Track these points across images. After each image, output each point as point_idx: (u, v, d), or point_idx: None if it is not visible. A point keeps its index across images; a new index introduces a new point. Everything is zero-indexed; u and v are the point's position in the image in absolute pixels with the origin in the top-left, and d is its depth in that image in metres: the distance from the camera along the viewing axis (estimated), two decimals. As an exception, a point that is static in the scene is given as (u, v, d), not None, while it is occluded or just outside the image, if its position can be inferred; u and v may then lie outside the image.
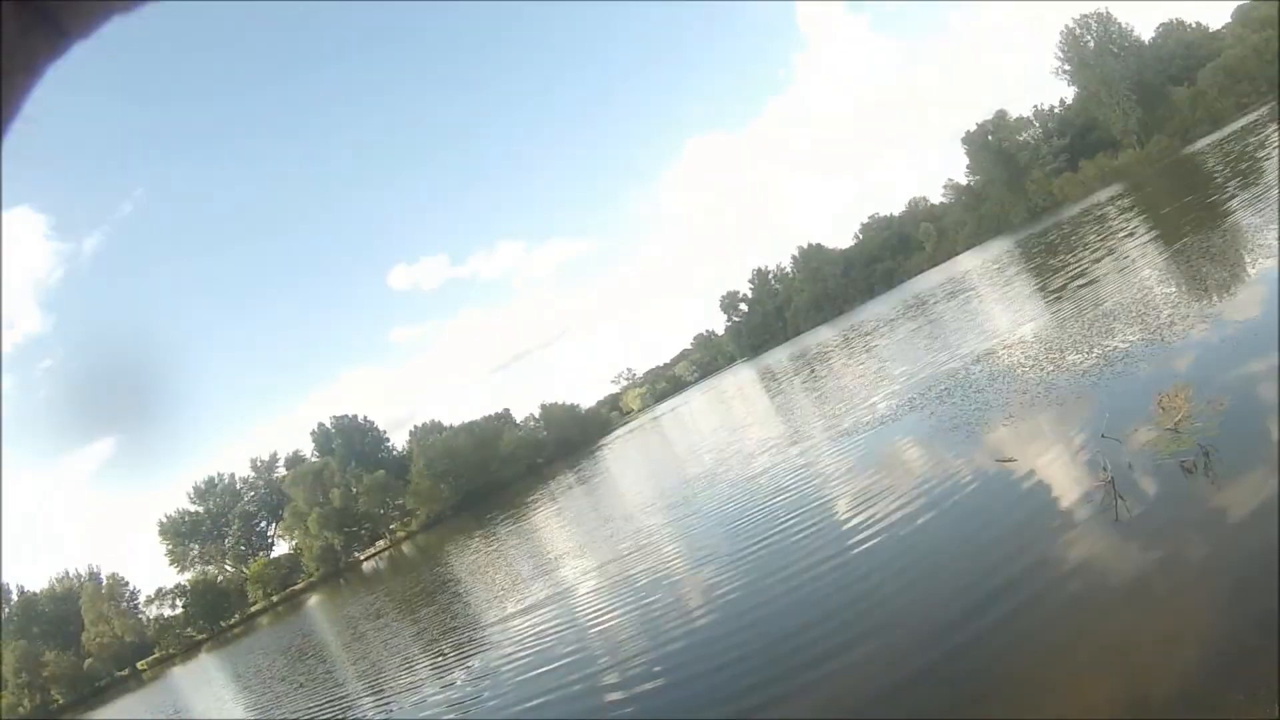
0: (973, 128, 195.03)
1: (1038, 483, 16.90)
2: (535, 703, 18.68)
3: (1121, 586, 11.66)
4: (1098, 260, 45.66)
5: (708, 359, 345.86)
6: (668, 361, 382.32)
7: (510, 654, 24.14)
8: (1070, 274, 46.11)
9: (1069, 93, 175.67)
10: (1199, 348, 20.39)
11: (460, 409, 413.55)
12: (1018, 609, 12.30)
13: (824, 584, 16.78)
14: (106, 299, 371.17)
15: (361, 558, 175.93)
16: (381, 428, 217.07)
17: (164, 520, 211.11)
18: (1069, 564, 12.93)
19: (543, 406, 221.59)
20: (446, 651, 29.96)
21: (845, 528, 19.64)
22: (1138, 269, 35.90)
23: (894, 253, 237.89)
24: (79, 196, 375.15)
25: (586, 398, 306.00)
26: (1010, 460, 18.66)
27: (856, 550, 17.70)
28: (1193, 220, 41.82)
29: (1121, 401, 18.96)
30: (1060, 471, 16.93)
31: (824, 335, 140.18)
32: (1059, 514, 14.81)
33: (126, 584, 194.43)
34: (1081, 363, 24.55)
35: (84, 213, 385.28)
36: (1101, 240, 54.81)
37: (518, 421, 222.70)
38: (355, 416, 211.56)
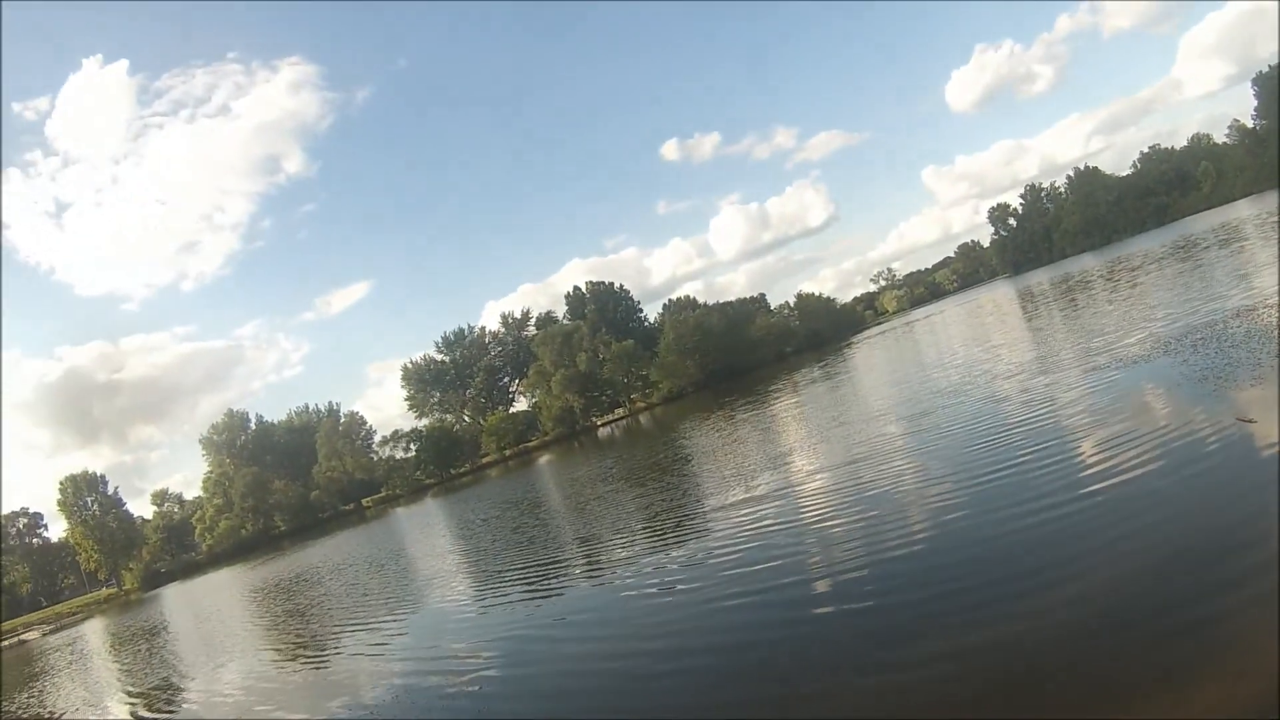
0: (1266, 69, 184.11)
1: (1273, 445, 16.54)
2: (739, 601, 18.61)
3: None
4: None
5: (969, 270, 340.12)
6: (929, 267, 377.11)
7: (723, 543, 24.32)
8: None
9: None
10: None
11: (715, 289, 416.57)
12: (1224, 579, 11.94)
13: (1042, 527, 16.49)
14: (374, 149, 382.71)
15: (598, 423, 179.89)
16: (636, 299, 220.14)
17: (408, 366, 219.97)
18: None
19: (798, 296, 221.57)
20: (664, 530, 30.47)
21: (1076, 469, 19.46)
22: None
23: (1170, 188, 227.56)
24: (354, 50, 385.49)
25: (843, 294, 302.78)
26: (1251, 420, 18.42)
27: (1080, 494, 17.45)
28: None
29: None
30: None
31: (1088, 263, 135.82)
32: None
33: (364, 423, 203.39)
34: None
35: (358, 66, 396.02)
36: None
37: (771, 308, 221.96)
38: (610, 284, 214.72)
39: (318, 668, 27.30)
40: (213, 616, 59.85)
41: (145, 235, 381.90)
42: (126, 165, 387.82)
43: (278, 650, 33.55)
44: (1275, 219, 79.81)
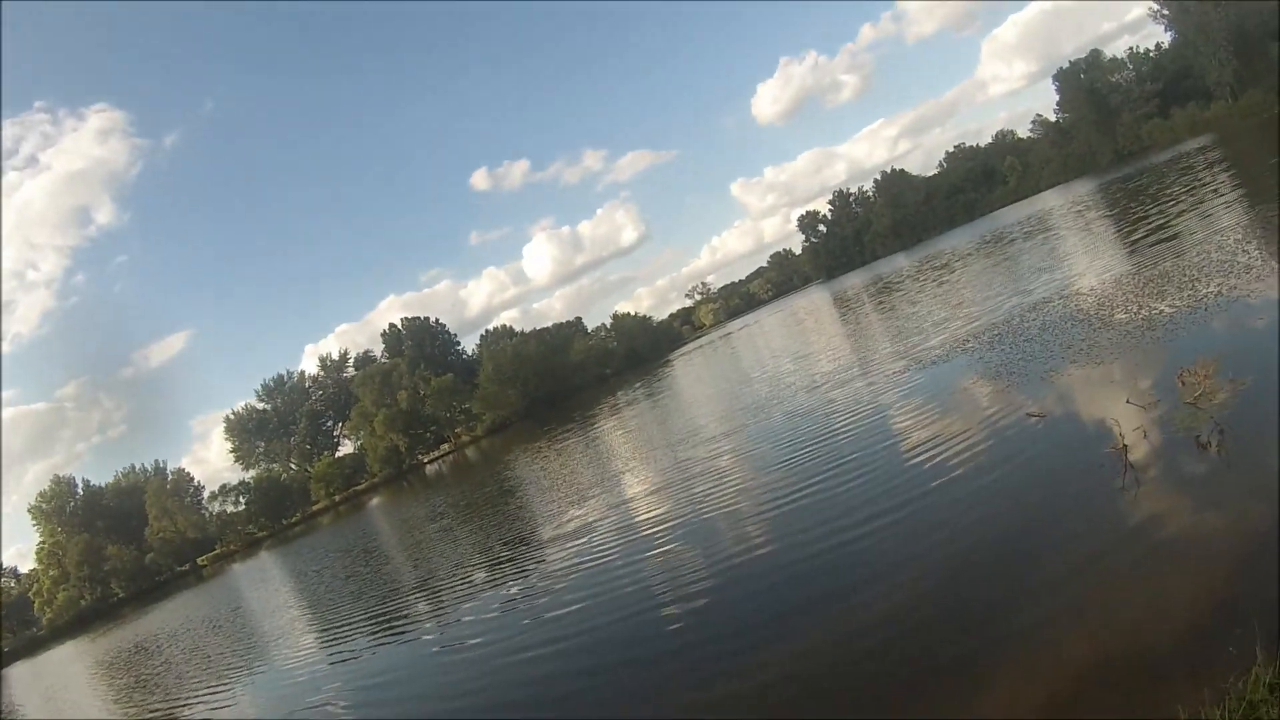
0: (1067, 64, 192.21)
1: (1058, 441, 17.68)
2: (586, 618, 19.36)
3: (1120, 549, 12.20)
4: (1174, 214, 45.47)
5: (783, 278, 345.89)
6: (743, 278, 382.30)
7: (564, 566, 24.94)
8: (1145, 225, 46.02)
9: (1165, 37, 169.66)
10: (1240, 323, 20.62)
11: (532, 316, 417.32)
12: (1012, 563, 13.23)
13: (843, 548, 16.75)
14: (184, 195, 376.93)
15: (425, 460, 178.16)
16: (452, 332, 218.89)
17: (230, 417, 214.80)
18: (1072, 524, 13.61)
19: (614, 316, 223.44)
20: (503, 560, 31.07)
21: (878, 482, 19.75)
22: (1211, 229, 35.53)
23: (977, 185, 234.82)
24: (160, 94, 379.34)
25: (659, 311, 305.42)
26: (1039, 416, 19.44)
27: (878, 510, 17.77)
28: (1273, 184, 40.75)
29: (1156, 369, 19.48)
30: (1081, 433, 17.67)
31: (900, 263, 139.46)
32: (1070, 474, 15.54)
33: (191, 480, 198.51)
34: (1127, 323, 24.91)
35: (165, 110, 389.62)
36: (1182, 194, 54.20)
37: (589, 330, 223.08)
38: (426, 319, 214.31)
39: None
40: (57, 697, 58.69)
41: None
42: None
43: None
44: (1078, 208, 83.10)
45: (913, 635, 12.28)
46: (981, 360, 28.24)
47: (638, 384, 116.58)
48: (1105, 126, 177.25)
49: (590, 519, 30.20)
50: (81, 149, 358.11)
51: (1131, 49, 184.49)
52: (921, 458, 19.82)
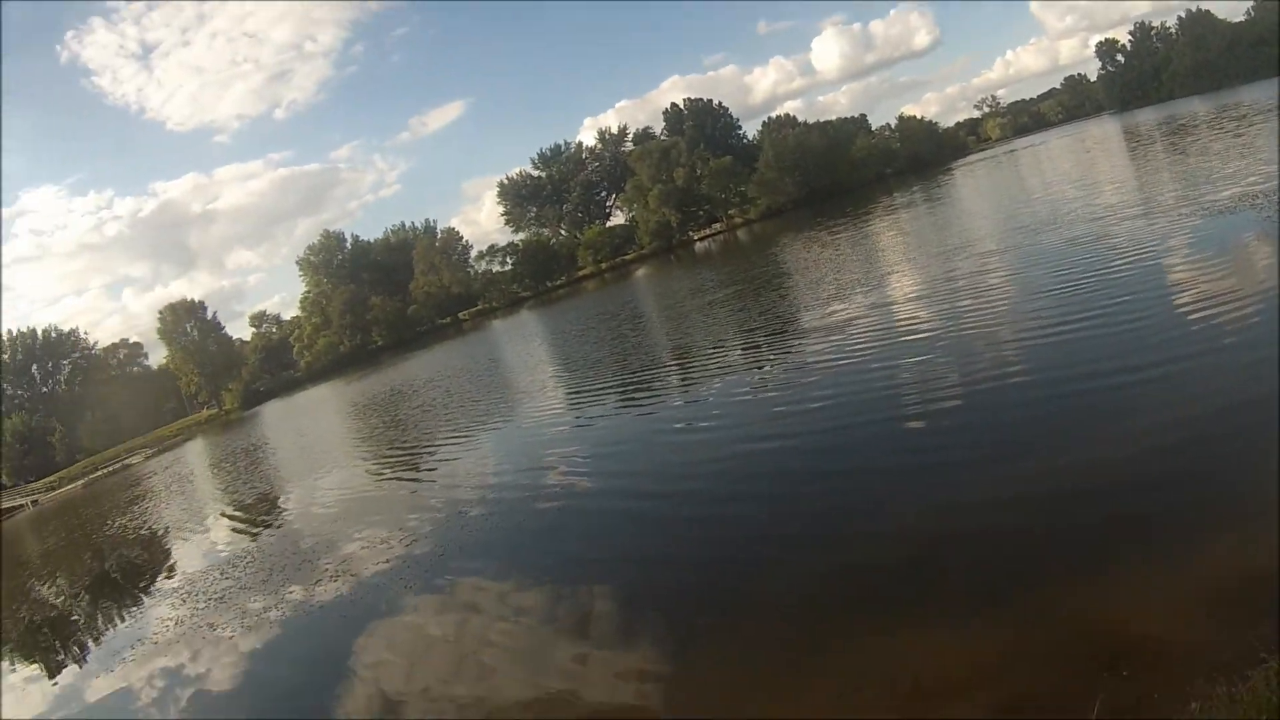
0: None
1: None
2: (829, 417, 19.65)
3: None
4: None
5: (1075, 104, 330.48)
6: (1034, 97, 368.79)
7: (817, 360, 25.29)
8: None
9: None
10: None
11: (816, 108, 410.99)
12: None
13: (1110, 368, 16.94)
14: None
15: (695, 237, 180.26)
16: (735, 116, 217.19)
17: (504, 182, 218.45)
18: None
19: (900, 118, 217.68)
20: (759, 345, 31.94)
21: (1149, 332, 18.79)
22: None
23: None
24: None
25: (945, 118, 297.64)
26: None
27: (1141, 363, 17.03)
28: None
29: None
30: None
31: (1196, 107, 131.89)
32: None
33: (460, 238, 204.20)
34: None
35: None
36: None
37: (873, 129, 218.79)
38: (709, 101, 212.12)
39: (417, 480, 28.69)
40: (309, 431, 61.49)
41: (234, 69, 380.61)
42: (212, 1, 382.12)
43: (378, 461, 35.06)
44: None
45: (1131, 489, 11.93)
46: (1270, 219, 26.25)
47: (916, 187, 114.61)
48: None
49: (850, 315, 30.49)
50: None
51: None
52: (1199, 315, 18.49)
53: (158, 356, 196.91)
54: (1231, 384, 14.18)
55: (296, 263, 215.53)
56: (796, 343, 29.12)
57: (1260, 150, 44.58)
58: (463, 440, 32.09)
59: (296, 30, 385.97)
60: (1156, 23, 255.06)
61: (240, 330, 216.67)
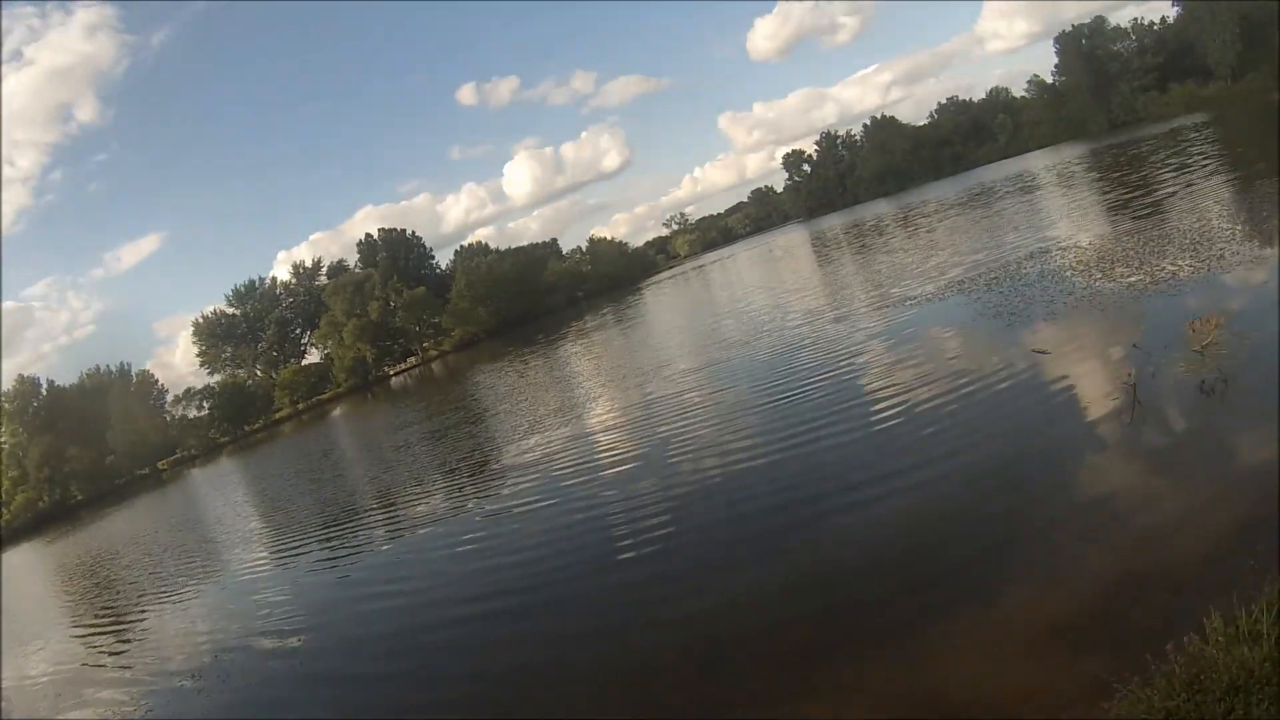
0: (1069, 28, 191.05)
1: (1064, 376, 18.07)
2: (540, 539, 19.69)
3: (1123, 479, 12.89)
4: (1167, 184, 45.65)
5: (762, 214, 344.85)
6: (722, 212, 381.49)
7: (518, 495, 24.66)
8: (1138, 191, 46.60)
9: (1172, 12, 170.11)
10: (1242, 284, 21.03)
11: (508, 234, 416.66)
12: (1027, 488, 13.60)
13: (838, 453, 17.94)
14: (168, 96, 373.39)
15: (391, 372, 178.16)
16: (428, 245, 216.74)
17: (199, 321, 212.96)
18: (1078, 454, 14.23)
19: (590, 240, 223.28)
20: (461, 475, 31.48)
21: (869, 400, 20.68)
22: (1205, 200, 35.90)
23: (966, 138, 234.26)
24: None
25: (635, 238, 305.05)
26: (1044, 351, 19.92)
27: (875, 423, 18.83)
28: (1268, 165, 40.31)
29: (1158, 320, 19.97)
30: (1087, 370, 18.21)
31: (882, 209, 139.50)
32: (1078, 408, 16.19)
33: (156, 382, 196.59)
34: (1129, 276, 25.26)
35: (155, 7, 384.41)
36: (1176, 165, 54.60)
37: (564, 253, 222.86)
38: (402, 231, 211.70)
39: (131, 641, 26.51)
40: (14, 599, 58.22)
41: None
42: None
43: (89, 626, 32.67)
44: (1070, 170, 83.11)
45: (925, 552, 12.62)
46: (979, 300, 28.44)
47: (606, 309, 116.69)
48: (1101, 94, 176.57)
49: (550, 449, 29.70)
50: (68, 44, 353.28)
51: (1136, 19, 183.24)
52: (924, 390, 19.92)
53: None
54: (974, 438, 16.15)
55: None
56: (496, 483, 27.81)
57: (951, 240, 46.71)
58: (179, 598, 30.38)
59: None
60: (843, 132, 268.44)
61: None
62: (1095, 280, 25.81)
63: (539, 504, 22.82)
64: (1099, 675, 8.12)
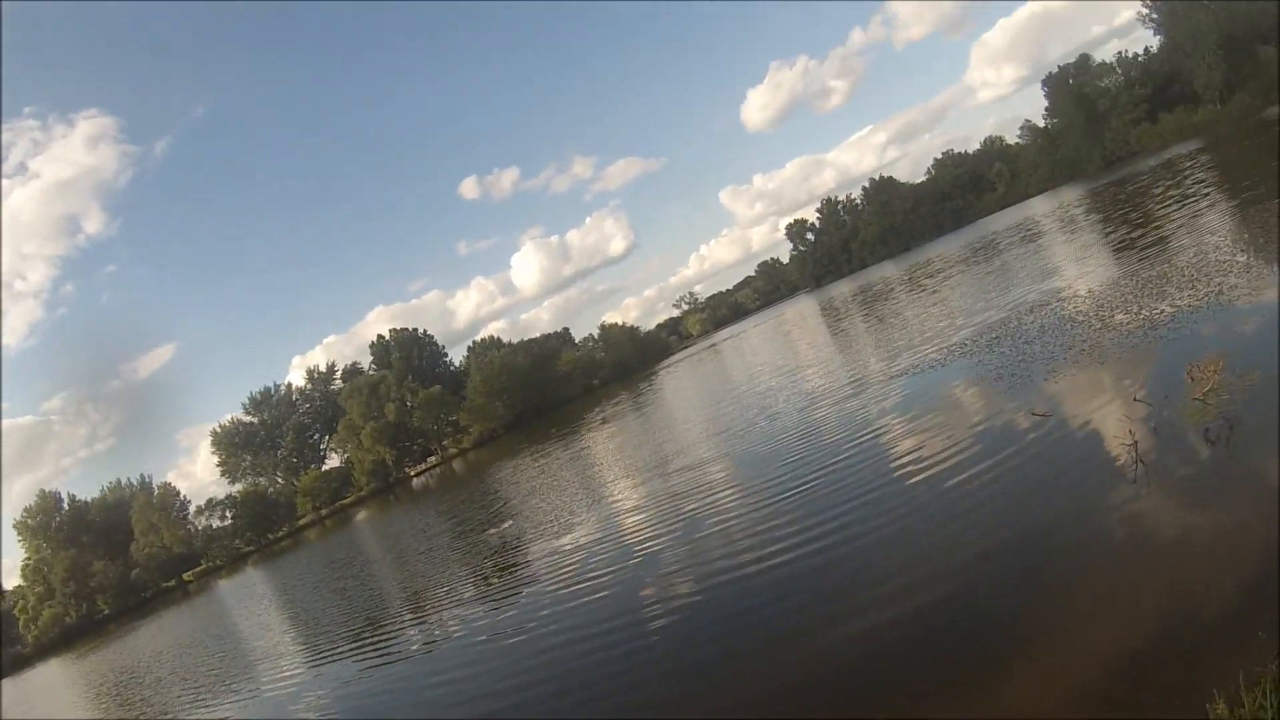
0: (1055, 69, 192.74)
1: (1065, 439, 17.63)
2: (572, 634, 19.16)
3: (1139, 543, 12.35)
4: (1165, 217, 45.60)
5: (770, 287, 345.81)
6: (731, 288, 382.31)
7: (551, 580, 24.86)
8: (1136, 228, 46.42)
9: (1154, 41, 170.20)
10: (1242, 320, 20.65)
11: (520, 326, 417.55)
12: (1031, 562, 13.11)
13: (859, 530, 17.30)
14: (174, 203, 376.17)
15: (412, 473, 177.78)
16: (440, 343, 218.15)
17: (217, 430, 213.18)
18: (1089, 521, 13.61)
19: (602, 327, 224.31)
20: (489, 574, 30.81)
21: (879, 472, 20.45)
22: (1202, 231, 35.72)
23: (965, 191, 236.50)
24: (153, 98, 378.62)
25: (647, 321, 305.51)
26: (1044, 415, 19.41)
27: (884, 493, 18.57)
28: (1267, 188, 40.37)
29: (1159, 368, 19.62)
30: (1088, 430, 17.57)
31: (888, 271, 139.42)
32: (1081, 471, 15.58)
33: (177, 494, 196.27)
34: (1128, 323, 24.96)
35: (157, 116, 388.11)
36: (1173, 197, 54.55)
37: (576, 341, 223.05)
38: (414, 330, 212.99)
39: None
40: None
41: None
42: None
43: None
44: (1068, 214, 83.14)
45: (929, 635, 12.21)
46: (981, 363, 28.19)
47: (621, 397, 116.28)
48: (1093, 132, 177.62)
49: (575, 539, 29.62)
50: (71, 156, 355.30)
51: (1120, 53, 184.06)
52: (928, 459, 19.63)
53: None
54: (979, 511, 15.54)
55: (14, 526, 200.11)
56: (525, 573, 27.80)
57: (955, 300, 47.39)
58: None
59: (7, 267, 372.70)
60: (843, 196, 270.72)
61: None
62: (1095, 331, 25.61)
63: (569, 596, 22.46)
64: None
